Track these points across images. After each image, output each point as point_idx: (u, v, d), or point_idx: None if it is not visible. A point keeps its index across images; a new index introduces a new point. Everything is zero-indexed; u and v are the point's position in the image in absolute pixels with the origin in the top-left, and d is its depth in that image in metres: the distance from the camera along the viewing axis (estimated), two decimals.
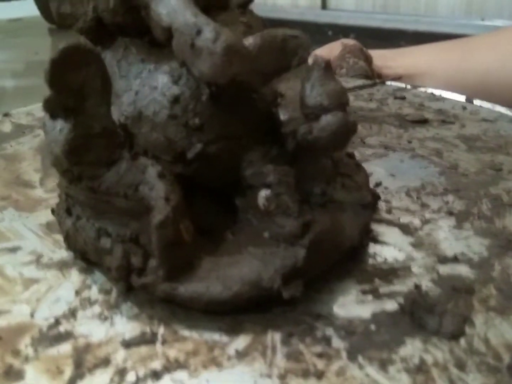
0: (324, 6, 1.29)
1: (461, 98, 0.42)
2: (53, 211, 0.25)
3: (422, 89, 0.44)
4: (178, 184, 0.21)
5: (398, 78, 0.45)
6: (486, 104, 0.40)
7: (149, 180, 0.20)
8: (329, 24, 1.28)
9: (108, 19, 0.23)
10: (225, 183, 0.22)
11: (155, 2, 0.21)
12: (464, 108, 0.38)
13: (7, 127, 0.38)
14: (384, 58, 0.60)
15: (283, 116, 0.21)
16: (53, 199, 0.28)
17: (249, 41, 0.19)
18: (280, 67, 0.20)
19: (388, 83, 0.45)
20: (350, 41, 0.55)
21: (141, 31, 0.23)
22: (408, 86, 0.45)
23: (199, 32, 0.19)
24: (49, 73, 0.19)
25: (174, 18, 0.20)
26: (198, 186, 0.22)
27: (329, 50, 0.56)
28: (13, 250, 0.24)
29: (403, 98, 0.40)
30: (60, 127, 0.21)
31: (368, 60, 0.51)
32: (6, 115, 0.42)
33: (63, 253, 0.24)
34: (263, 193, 0.21)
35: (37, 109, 0.41)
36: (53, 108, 0.20)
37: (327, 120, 0.19)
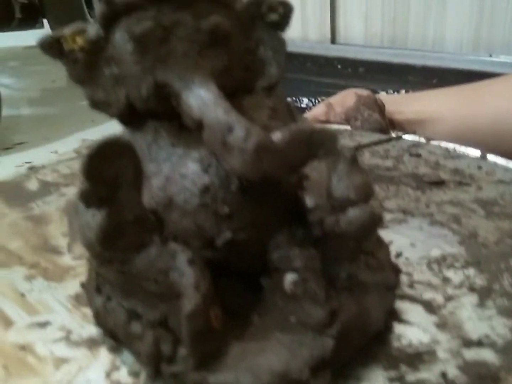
0: (333, 40, 1.31)
1: (476, 153, 0.43)
2: (82, 285, 0.26)
3: (436, 143, 0.45)
4: (207, 270, 0.21)
5: (412, 132, 0.45)
6: (501, 161, 0.41)
7: (179, 266, 0.21)
8: (338, 58, 1.29)
9: (139, 105, 0.23)
10: (251, 265, 0.23)
11: (186, 94, 0.22)
12: (480, 167, 0.39)
13: (33, 185, 0.39)
14: (396, 104, 0.60)
15: (309, 202, 0.22)
16: (81, 267, 0.29)
17: (277, 136, 0.20)
18: (307, 158, 0.21)
19: (404, 136, 0.46)
20: (364, 92, 0.56)
21: (171, 115, 0.23)
22: (422, 139, 0.46)
23: (230, 130, 0.19)
24: (85, 167, 0.20)
25: (205, 113, 0.21)
26: (225, 267, 0.23)
27: (342, 99, 0.57)
28: (43, 325, 0.25)
29: (419, 155, 0.41)
30: (93, 212, 0.22)
31: (382, 111, 0.52)
32: (31, 168, 0.43)
33: (92, 329, 0.25)
34: (290, 278, 0.21)
35: (62, 165, 0.42)
36: (88, 199, 0.21)
37: (354, 214, 0.20)
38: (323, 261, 0.22)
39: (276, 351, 0.20)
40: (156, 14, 0.22)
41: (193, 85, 0.22)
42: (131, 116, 0.24)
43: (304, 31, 1.29)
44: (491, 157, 0.42)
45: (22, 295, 0.27)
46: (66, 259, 0.30)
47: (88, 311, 0.25)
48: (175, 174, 0.22)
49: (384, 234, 0.28)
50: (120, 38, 0.23)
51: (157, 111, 0.24)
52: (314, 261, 0.22)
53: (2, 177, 0.41)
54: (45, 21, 2.01)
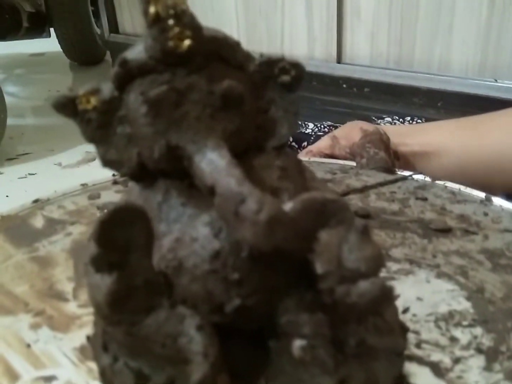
0: (339, 59, 1.31)
1: (481, 195, 0.43)
2: (88, 339, 0.26)
3: (441, 183, 0.45)
4: (216, 336, 0.21)
5: (418, 173, 0.46)
6: (506, 205, 0.41)
7: (188, 331, 0.21)
8: (344, 77, 1.30)
9: (151, 165, 0.24)
10: (259, 327, 0.23)
11: (198, 158, 0.22)
12: (486, 214, 0.39)
13: (39, 222, 0.39)
14: (401, 136, 0.61)
15: (319, 268, 0.22)
16: (87, 316, 0.29)
17: (290, 206, 0.20)
18: (318, 227, 0.21)
19: (408, 174, 0.46)
20: (369, 126, 0.56)
21: (182, 174, 0.24)
22: (428, 179, 0.46)
23: (243, 201, 0.20)
24: (97, 233, 0.20)
25: (217, 180, 0.21)
26: (233, 331, 0.23)
27: (347, 133, 0.58)
28: (49, 379, 0.25)
29: (425, 199, 0.41)
30: (103, 275, 0.22)
31: (388, 148, 0.52)
32: (35, 201, 0.43)
33: None
34: (298, 343, 0.21)
35: (68, 200, 0.43)
36: (99, 265, 0.21)
37: (366, 287, 0.20)
38: (332, 325, 0.22)
39: None
40: (171, 77, 0.23)
41: (206, 149, 0.22)
42: (142, 174, 0.24)
43: (310, 49, 1.30)
44: (496, 200, 0.42)
45: (28, 345, 0.27)
46: (72, 307, 0.30)
47: (93, 365, 0.25)
48: (185, 236, 0.22)
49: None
50: (134, 100, 0.23)
51: (169, 171, 0.24)
52: (323, 328, 0.22)
53: (7, 211, 0.42)
54: (51, 30, 2.03)
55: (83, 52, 2.01)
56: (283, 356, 0.22)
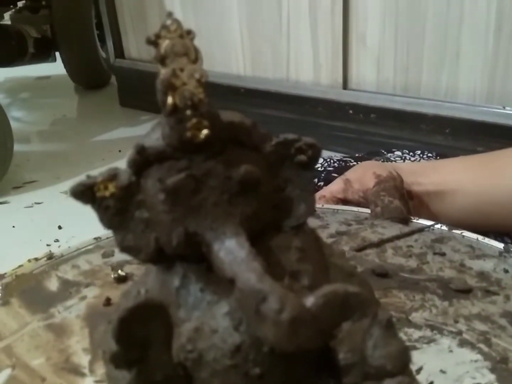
0: (345, 86, 1.32)
1: (499, 245, 0.42)
2: None
3: (458, 232, 0.44)
4: None
5: (434, 223, 0.45)
6: None
7: None
8: (350, 103, 1.30)
9: (169, 251, 0.23)
10: None
11: (217, 246, 0.22)
12: (506, 271, 0.38)
13: (53, 285, 0.39)
14: (414, 175, 0.60)
15: (342, 359, 0.21)
16: None
17: (311, 301, 0.20)
18: (340, 322, 0.21)
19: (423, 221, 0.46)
20: (382, 170, 0.56)
21: (199, 258, 0.23)
22: (445, 229, 0.45)
23: (264, 299, 0.19)
24: (116, 331, 0.20)
25: (237, 274, 0.20)
26: None
27: (360, 177, 0.57)
28: None
29: (443, 254, 0.40)
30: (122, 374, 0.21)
31: (402, 194, 0.52)
32: (50, 258, 0.43)
33: None
34: None
35: (82, 259, 0.42)
36: (118, 363, 0.20)
37: None
38: None
39: None
40: (188, 164, 0.22)
41: (225, 238, 0.22)
42: (159, 258, 0.24)
43: (316, 75, 1.30)
44: None
45: None
46: (89, 382, 0.29)
47: None
48: (205, 327, 0.22)
49: (413, 355, 0.27)
50: (152, 186, 0.23)
51: (186, 255, 0.24)
52: None
53: (20, 270, 0.41)
54: (57, 54, 2.06)
55: (89, 76, 2.03)
56: None
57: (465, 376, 0.28)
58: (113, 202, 0.23)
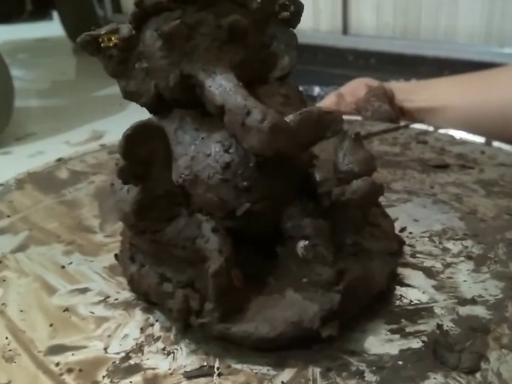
0: (345, 31, 1.32)
1: (481, 139, 0.45)
2: (116, 257, 0.29)
3: (443, 131, 0.47)
4: (228, 237, 0.24)
5: (421, 121, 0.48)
6: (505, 147, 0.43)
7: (205, 234, 0.24)
8: (350, 49, 1.31)
9: (167, 95, 0.26)
10: (267, 234, 0.26)
11: (209, 83, 0.25)
12: (483, 152, 0.41)
13: (64, 174, 0.43)
14: (406, 92, 0.63)
15: (318, 177, 0.25)
16: (113, 243, 0.32)
17: (290, 118, 0.23)
18: (316, 138, 0.24)
19: (413, 125, 0.49)
20: (374, 82, 0.58)
21: (194, 104, 0.26)
22: (430, 128, 0.48)
23: (248, 113, 0.22)
24: (122, 147, 0.23)
25: (226, 99, 0.23)
26: (244, 236, 0.26)
27: (352, 90, 0.60)
28: (83, 291, 0.28)
29: (425, 142, 0.43)
30: (128, 187, 0.25)
31: (392, 101, 0.54)
32: (59, 160, 0.46)
33: (126, 294, 0.28)
34: (302, 244, 0.24)
35: (89, 155, 0.46)
36: (125, 176, 0.24)
37: (358, 184, 0.23)
38: (332, 231, 0.25)
39: (290, 305, 0.23)
40: (182, 14, 0.25)
41: (215, 76, 0.25)
42: (159, 105, 0.27)
43: (315, 22, 1.31)
44: (495, 143, 0.44)
45: (62, 267, 0.30)
46: (99, 237, 0.33)
47: (122, 279, 0.29)
48: (200, 154, 0.25)
49: (390, 211, 0.30)
50: (150, 36, 0.26)
51: (183, 100, 0.27)
52: (323, 229, 0.24)
53: (33, 169, 0.45)
54: (55, 13, 2.06)
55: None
56: (289, 259, 0.25)
57: (436, 223, 0.32)
58: (116, 52, 0.26)
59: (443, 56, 1.19)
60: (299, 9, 0.27)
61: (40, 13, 2.00)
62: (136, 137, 0.23)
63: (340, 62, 1.34)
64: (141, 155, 0.23)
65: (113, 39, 0.26)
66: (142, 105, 0.27)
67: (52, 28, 2.27)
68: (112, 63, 0.27)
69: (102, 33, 0.26)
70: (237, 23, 0.26)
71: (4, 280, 0.29)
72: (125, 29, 0.26)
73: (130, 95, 0.27)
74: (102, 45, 0.26)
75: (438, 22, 1.18)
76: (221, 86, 0.24)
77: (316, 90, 0.77)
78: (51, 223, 0.35)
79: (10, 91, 1.28)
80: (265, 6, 0.27)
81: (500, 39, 1.13)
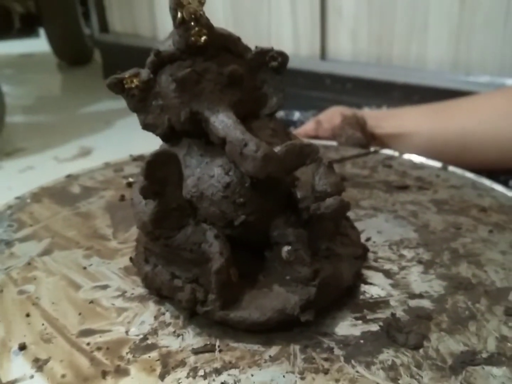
0: (323, 57, 1.40)
1: (438, 164, 0.52)
2: (131, 260, 0.35)
3: (406, 156, 0.54)
4: (228, 242, 0.30)
5: (388, 148, 0.55)
6: (458, 171, 0.50)
7: (208, 239, 0.30)
8: (328, 74, 1.38)
9: (178, 127, 0.33)
10: (258, 240, 0.32)
11: (212, 119, 0.31)
12: (438, 176, 0.48)
13: (76, 189, 0.48)
14: (377, 119, 0.70)
15: (299, 195, 0.31)
16: (126, 249, 0.38)
17: (278, 148, 0.29)
18: (298, 164, 0.30)
19: (381, 151, 0.56)
20: (348, 111, 0.65)
21: (200, 134, 0.33)
22: (396, 154, 0.55)
23: (246, 145, 0.29)
24: (145, 170, 0.29)
25: (227, 133, 0.30)
26: (240, 242, 0.32)
27: (329, 117, 0.67)
28: (104, 287, 0.34)
29: (390, 166, 0.50)
30: (145, 201, 0.31)
31: (364, 129, 0.61)
32: (69, 176, 0.52)
33: (140, 290, 0.33)
34: (286, 248, 0.30)
35: (97, 173, 0.51)
36: (146, 193, 0.30)
37: (330, 202, 0.29)
38: (310, 239, 0.31)
39: (276, 297, 0.29)
40: (192, 63, 0.32)
41: (218, 113, 0.31)
42: (171, 135, 0.33)
43: (295, 47, 1.38)
44: (451, 168, 0.51)
45: (84, 268, 0.36)
46: (113, 243, 0.39)
47: (135, 278, 0.34)
48: (204, 175, 0.31)
49: (359, 224, 0.37)
50: (165, 80, 0.32)
51: (190, 132, 0.33)
52: (303, 237, 0.31)
53: (46, 184, 0.50)
54: (41, 30, 2.10)
55: (72, 51, 2.08)
56: (275, 260, 0.31)
57: (395, 234, 0.38)
58: (137, 92, 0.33)
59: (414, 83, 1.27)
60: (286, 60, 0.34)
61: (27, 30, 2.05)
62: (156, 162, 0.29)
63: (318, 85, 1.41)
64: (159, 176, 0.30)
65: (134, 81, 0.33)
66: (157, 135, 0.34)
67: (36, 44, 2.30)
68: (133, 101, 0.33)
69: (126, 76, 0.32)
70: (235, 72, 0.32)
71: (34, 279, 0.35)
72: (145, 73, 0.33)
73: (147, 127, 0.33)
74: (125, 86, 0.32)
75: (409, 50, 1.26)
76: (223, 122, 0.31)
77: (296, 114, 0.84)
78: (70, 231, 0.41)
79: (1, 107, 1.32)
80: (258, 57, 0.34)
81: (466, 68, 1.22)
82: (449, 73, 1.21)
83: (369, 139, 0.62)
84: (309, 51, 1.37)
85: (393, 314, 0.30)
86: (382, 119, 0.71)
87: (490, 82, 1.15)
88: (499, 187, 0.46)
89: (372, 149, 0.57)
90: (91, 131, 1.45)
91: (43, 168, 1.23)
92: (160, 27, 1.58)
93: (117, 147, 1.25)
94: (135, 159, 0.55)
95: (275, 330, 0.29)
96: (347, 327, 0.29)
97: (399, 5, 1.21)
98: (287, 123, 0.78)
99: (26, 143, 1.40)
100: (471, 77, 1.18)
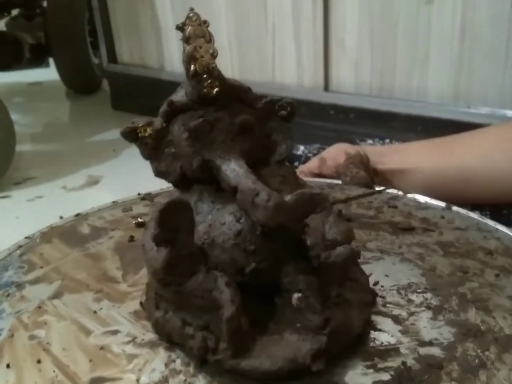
0: (326, 88, 1.42)
1: (442, 204, 0.52)
2: (141, 304, 0.35)
3: (411, 196, 0.55)
4: (238, 289, 0.31)
5: (391, 187, 0.56)
6: (462, 211, 0.51)
7: (219, 287, 0.30)
8: (331, 104, 1.40)
9: (189, 174, 0.33)
10: (268, 287, 0.32)
11: (224, 167, 0.32)
12: (443, 217, 0.48)
13: (85, 229, 0.49)
14: (379, 155, 0.71)
15: (309, 242, 0.31)
16: (135, 292, 0.38)
17: (288, 197, 0.30)
18: (309, 212, 0.31)
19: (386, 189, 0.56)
20: (352, 149, 0.66)
21: (211, 180, 0.33)
22: (400, 193, 0.55)
23: (257, 194, 0.29)
24: (158, 218, 0.30)
25: (239, 182, 0.30)
26: (250, 288, 0.32)
27: (333, 155, 0.68)
28: (114, 332, 0.34)
29: (395, 207, 0.51)
30: (157, 248, 0.31)
31: (367, 168, 0.62)
32: (77, 215, 0.53)
33: (150, 335, 0.34)
34: (296, 296, 0.31)
35: (105, 212, 0.52)
36: (158, 241, 0.30)
37: (341, 250, 0.29)
38: (320, 286, 0.31)
39: (287, 345, 0.29)
40: (204, 113, 0.33)
41: (229, 162, 0.32)
42: (182, 182, 0.34)
43: (299, 78, 1.41)
44: (455, 208, 0.52)
45: (94, 312, 0.36)
46: (123, 287, 0.39)
47: (145, 323, 0.35)
48: (216, 222, 0.32)
49: (366, 267, 0.37)
50: (178, 129, 0.33)
51: (202, 179, 0.34)
52: (313, 284, 0.31)
53: (55, 223, 0.51)
54: (51, 59, 2.14)
55: (81, 80, 2.12)
56: (286, 307, 0.32)
57: (402, 278, 0.39)
58: (150, 140, 0.33)
59: (415, 114, 1.29)
60: (294, 109, 0.35)
61: (37, 60, 2.09)
62: (168, 211, 0.30)
63: (321, 116, 1.43)
64: (172, 224, 0.30)
65: (148, 130, 0.33)
66: (169, 182, 0.34)
67: (46, 73, 2.34)
68: (147, 149, 0.34)
69: (139, 125, 0.33)
70: (246, 121, 0.33)
71: (45, 323, 0.35)
72: (158, 122, 0.34)
73: (160, 174, 0.34)
74: (139, 135, 0.33)
75: (411, 82, 1.28)
76: (234, 171, 0.31)
77: (301, 148, 0.85)
78: (80, 273, 0.41)
79: (11, 136, 1.33)
80: (268, 106, 0.35)
81: (467, 100, 1.23)
82: (450, 105, 1.22)
83: (372, 177, 0.62)
84: (313, 83, 1.39)
85: (404, 363, 0.30)
86: (385, 154, 0.71)
87: (491, 113, 1.16)
88: (503, 228, 0.46)
89: (377, 188, 0.57)
90: (99, 160, 1.47)
91: (52, 197, 1.24)
92: (167, 58, 1.61)
93: (125, 177, 1.26)
94: (143, 198, 0.55)
95: (286, 379, 0.29)
96: (358, 376, 0.29)
97: (401, 38, 1.23)
98: (292, 157, 0.79)
99: (35, 172, 1.41)
100: (471, 108, 1.20)
